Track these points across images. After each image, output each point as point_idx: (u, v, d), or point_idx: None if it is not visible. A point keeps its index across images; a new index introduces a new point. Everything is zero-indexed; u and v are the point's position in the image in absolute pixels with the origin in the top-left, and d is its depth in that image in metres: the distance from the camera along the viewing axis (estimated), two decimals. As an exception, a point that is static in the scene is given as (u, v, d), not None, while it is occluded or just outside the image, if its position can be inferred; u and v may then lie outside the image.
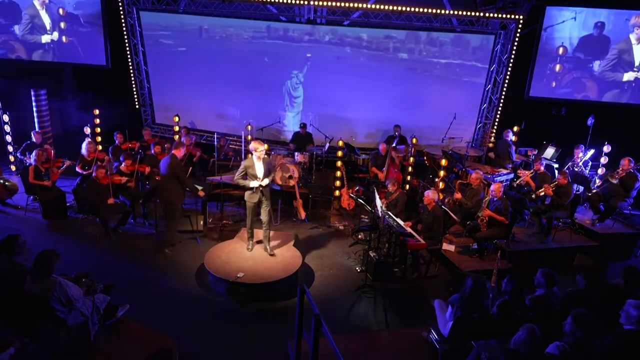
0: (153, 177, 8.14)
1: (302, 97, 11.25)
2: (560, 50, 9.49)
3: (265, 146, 6.31)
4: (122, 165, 7.93)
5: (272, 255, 6.40)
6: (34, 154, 7.82)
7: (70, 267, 4.96)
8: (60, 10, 10.56)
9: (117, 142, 9.12)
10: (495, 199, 6.61)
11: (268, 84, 11.14)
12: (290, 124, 11.28)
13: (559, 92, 9.79)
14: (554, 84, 9.75)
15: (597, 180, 8.26)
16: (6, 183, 8.22)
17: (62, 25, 10.69)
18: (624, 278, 4.73)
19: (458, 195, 7.23)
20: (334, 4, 9.67)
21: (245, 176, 6.21)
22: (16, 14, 10.75)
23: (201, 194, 7.00)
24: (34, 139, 8.86)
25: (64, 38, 10.84)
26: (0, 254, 4.39)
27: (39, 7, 10.61)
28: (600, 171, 9.04)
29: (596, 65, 9.35)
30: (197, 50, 10.95)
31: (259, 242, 6.69)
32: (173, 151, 6.65)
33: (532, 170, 7.80)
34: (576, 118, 10.10)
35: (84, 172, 8.19)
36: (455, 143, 9.92)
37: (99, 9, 10.61)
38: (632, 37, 9.01)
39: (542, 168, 7.79)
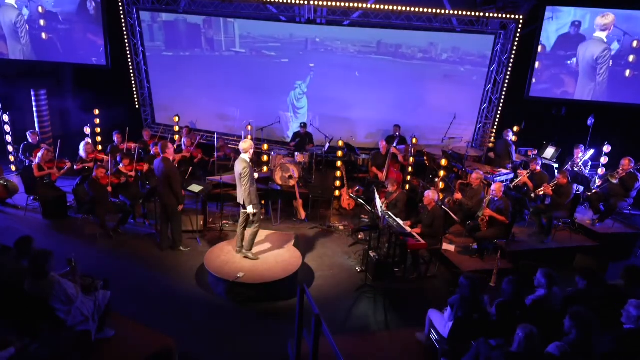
0: (153, 177, 8.14)
1: (306, 108, 11.29)
2: (539, 48, 9.77)
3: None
4: (121, 165, 7.92)
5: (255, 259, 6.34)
6: (40, 152, 7.82)
7: (70, 267, 4.96)
8: (40, 9, 10.56)
9: (115, 142, 9.12)
10: (495, 198, 6.61)
11: (271, 85, 11.16)
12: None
13: (539, 88, 10.04)
14: (534, 80, 10.02)
15: (597, 180, 8.26)
16: (6, 183, 8.22)
17: (42, 22, 10.66)
18: (627, 277, 4.71)
19: (458, 195, 7.23)
20: (334, 4, 9.67)
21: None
22: None
23: (179, 208, 6.79)
24: (30, 140, 8.87)
25: (43, 35, 10.78)
26: (6, 254, 4.39)
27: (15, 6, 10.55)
28: (600, 171, 9.04)
29: (574, 62, 9.63)
30: (299, 62, 10.77)
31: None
32: (163, 154, 6.58)
33: (528, 171, 7.80)
34: (576, 118, 10.10)
35: (82, 169, 8.21)
36: (455, 143, 9.92)
37: (75, 7, 10.55)
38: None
39: (538, 168, 7.79)
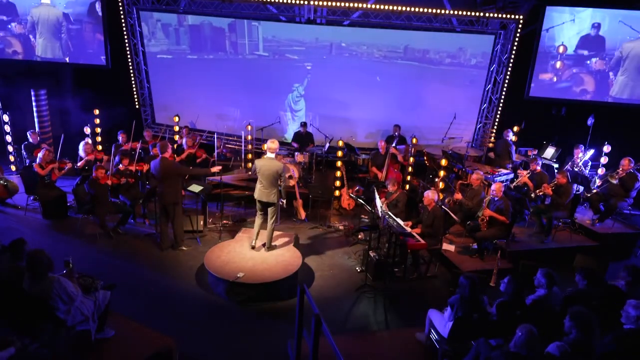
0: (153, 177, 8.15)
1: (303, 110, 11.31)
2: (561, 49, 10.06)
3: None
4: (120, 165, 7.93)
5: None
6: (41, 153, 7.83)
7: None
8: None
9: (120, 141, 9.12)
10: (496, 198, 6.61)
11: (271, 85, 11.18)
12: (290, 138, 11.37)
13: (559, 87, 10.32)
14: (555, 78, 10.27)
15: (597, 181, 8.26)
16: (6, 183, 8.22)
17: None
18: (630, 278, 4.69)
19: (458, 196, 7.23)
20: (334, 4, 9.67)
21: None
22: (14, 13, 10.90)
23: (215, 169, 7.06)
24: (30, 140, 8.88)
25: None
26: (4, 255, 4.39)
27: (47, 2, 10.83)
28: (600, 171, 9.04)
29: (593, 62, 9.99)
30: (322, 67, 10.72)
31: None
32: (162, 154, 6.60)
33: (528, 171, 7.80)
34: (576, 118, 10.10)
35: (83, 167, 8.23)
36: (455, 143, 9.92)
37: (86, 8, 10.78)
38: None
39: (539, 168, 7.79)
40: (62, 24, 10.88)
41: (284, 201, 6.42)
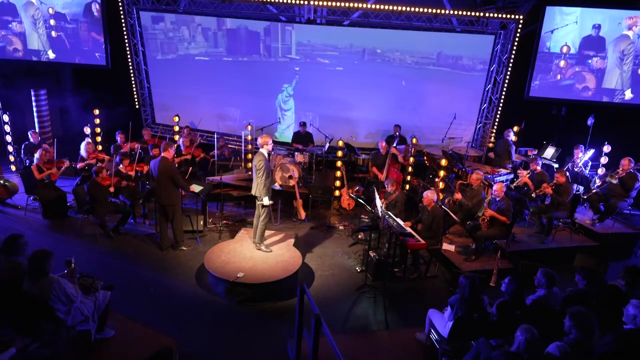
0: (152, 177, 8.15)
1: (293, 110, 11.38)
2: (564, 49, 10.25)
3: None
4: (120, 166, 7.93)
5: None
6: (37, 153, 7.83)
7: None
8: (50, 10, 11.07)
9: (118, 141, 9.13)
10: (497, 199, 6.61)
11: (270, 85, 11.20)
12: (282, 137, 11.47)
13: (563, 84, 10.52)
14: (559, 76, 10.45)
15: (597, 181, 8.26)
16: (6, 183, 8.22)
17: (52, 22, 11.19)
18: (629, 278, 4.69)
19: (458, 196, 7.23)
20: (334, 4, 9.68)
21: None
22: (14, 12, 11.10)
23: (193, 189, 7.11)
24: (31, 140, 8.88)
25: (53, 33, 11.27)
26: (1, 255, 4.39)
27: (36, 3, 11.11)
28: (600, 171, 9.04)
29: (594, 61, 10.24)
30: (353, 72, 10.71)
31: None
32: (163, 154, 6.62)
33: (528, 171, 7.80)
34: (576, 118, 10.11)
35: (84, 167, 8.24)
36: (455, 143, 9.92)
37: (82, 9, 10.99)
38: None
39: (539, 168, 7.79)
40: (36, 18, 11.15)
41: (270, 202, 6.31)
